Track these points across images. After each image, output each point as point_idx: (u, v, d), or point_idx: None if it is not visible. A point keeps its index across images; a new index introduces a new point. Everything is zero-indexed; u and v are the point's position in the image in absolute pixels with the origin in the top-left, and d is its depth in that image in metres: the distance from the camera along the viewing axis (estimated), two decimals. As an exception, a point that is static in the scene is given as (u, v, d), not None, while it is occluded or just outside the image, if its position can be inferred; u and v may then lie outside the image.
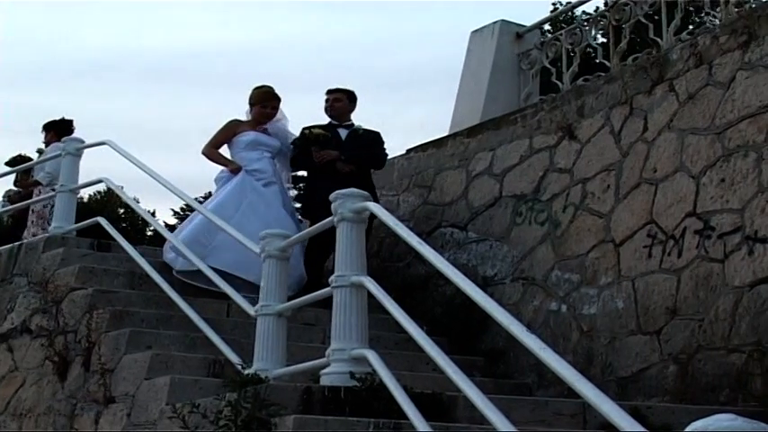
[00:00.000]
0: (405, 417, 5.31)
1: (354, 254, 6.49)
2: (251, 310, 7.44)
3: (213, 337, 7.86)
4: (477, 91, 11.31)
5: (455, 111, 11.60)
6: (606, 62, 10.07)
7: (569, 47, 10.57)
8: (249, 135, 10.17)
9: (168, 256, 9.66)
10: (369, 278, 6.36)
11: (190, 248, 9.00)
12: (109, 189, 11.39)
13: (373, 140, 10.52)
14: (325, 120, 10.55)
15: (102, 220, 10.21)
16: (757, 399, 6.91)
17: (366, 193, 6.71)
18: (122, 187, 10.94)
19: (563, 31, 10.91)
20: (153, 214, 42.06)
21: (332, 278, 6.51)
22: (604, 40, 10.42)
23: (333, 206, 6.66)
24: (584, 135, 9.33)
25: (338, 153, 10.17)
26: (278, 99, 10.39)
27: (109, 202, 38.57)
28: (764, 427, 3.18)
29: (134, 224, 39.37)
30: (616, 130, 9.00)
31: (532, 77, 11.25)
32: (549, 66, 11.05)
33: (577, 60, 10.46)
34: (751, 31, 8.03)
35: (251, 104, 10.37)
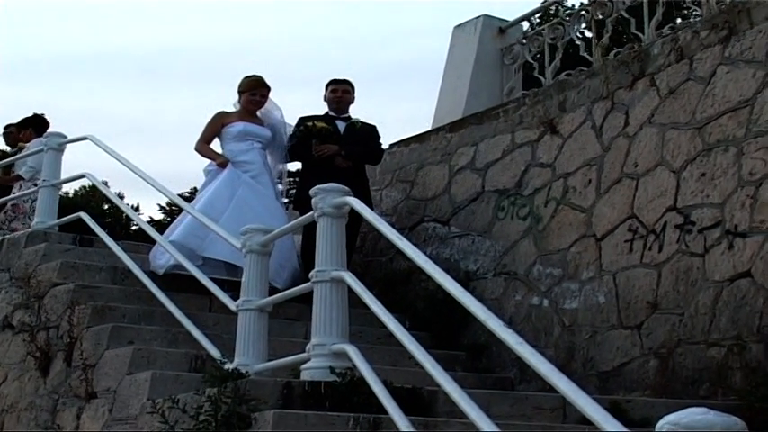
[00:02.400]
0: (384, 411, 5.31)
1: (335, 249, 6.49)
2: (232, 305, 7.43)
3: (195, 332, 7.85)
4: (459, 86, 11.32)
5: (438, 106, 11.61)
6: (589, 57, 10.09)
7: (551, 41, 10.58)
8: (237, 126, 9.94)
9: (158, 262, 9.39)
10: (349, 273, 6.36)
11: (186, 243, 9.02)
12: (94, 184, 11.29)
13: (370, 134, 10.36)
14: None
15: (85, 216, 10.17)
16: (737, 392, 6.93)
17: (346, 188, 6.71)
18: (106, 183, 10.90)
19: (545, 26, 10.93)
20: (137, 209, 42.04)
21: (312, 273, 6.51)
22: (590, 35, 10.41)
23: (313, 201, 6.65)
24: (565, 130, 9.35)
25: (338, 148, 9.97)
26: (267, 87, 10.14)
27: (93, 197, 38.53)
28: (735, 420, 3.20)
29: (119, 219, 39.32)
30: (597, 125, 9.02)
31: (515, 72, 11.26)
32: (531, 60, 11.07)
33: (560, 55, 10.48)
34: (731, 26, 8.06)
35: (239, 93, 10.13)
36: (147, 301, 8.69)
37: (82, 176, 11.09)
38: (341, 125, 10.21)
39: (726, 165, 7.72)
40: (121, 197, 36.77)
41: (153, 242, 9.58)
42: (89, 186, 38.49)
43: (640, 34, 9.49)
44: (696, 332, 7.53)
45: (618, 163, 8.68)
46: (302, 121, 10.17)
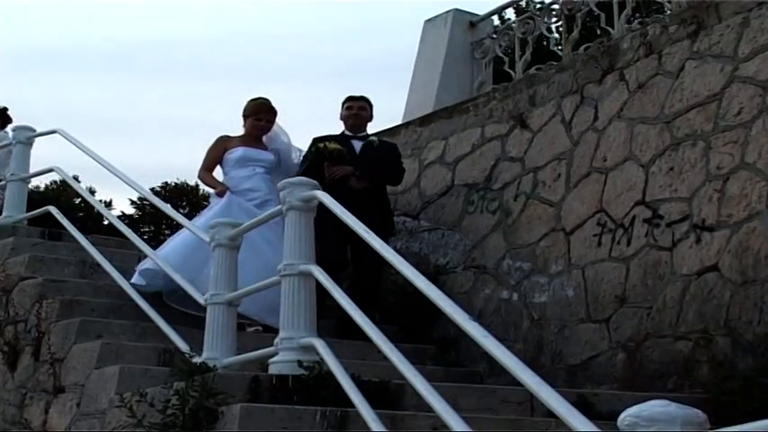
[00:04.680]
0: (352, 405, 5.31)
1: (303, 242, 6.48)
2: (201, 299, 7.42)
3: (163, 326, 7.83)
4: (430, 80, 11.32)
5: (408, 99, 11.61)
6: (558, 51, 10.11)
7: (522, 36, 10.60)
8: (237, 151, 9.38)
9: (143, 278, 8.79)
10: (317, 266, 6.36)
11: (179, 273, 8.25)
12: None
13: (389, 153, 9.78)
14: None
15: (53, 209, 10.14)
16: (703, 386, 6.96)
17: (314, 181, 6.71)
18: (77, 177, 10.84)
19: (515, 20, 10.94)
20: (110, 204, 41.81)
21: (280, 266, 6.51)
22: (561, 30, 10.45)
23: (281, 195, 6.64)
24: (535, 124, 9.37)
25: (352, 168, 9.35)
26: (273, 112, 9.57)
27: (65, 191, 38.29)
28: (697, 413, 3.22)
29: (91, 214, 39.12)
30: (567, 119, 9.05)
31: (485, 66, 11.28)
32: (501, 55, 11.09)
33: (530, 49, 10.50)
34: (700, 21, 8.10)
35: (244, 117, 9.57)
36: (116, 295, 8.67)
37: (51, 170, 11.04)
38: (357, 144, 9.64)
39: (694, 159, 7.76)
40: (93, 192, 36.59)
41: (123, 236, 9.52)
42: (60, 180, 38.25)
43: (610, 29, 9.52)
44: (663, 326, 7.57)
45: (587, 157, 8.71)
46: (315, 141, 9.62)
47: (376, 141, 9.78)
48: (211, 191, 9.70)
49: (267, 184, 9.30)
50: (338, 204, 6.32)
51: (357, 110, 9.75)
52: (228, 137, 9.59)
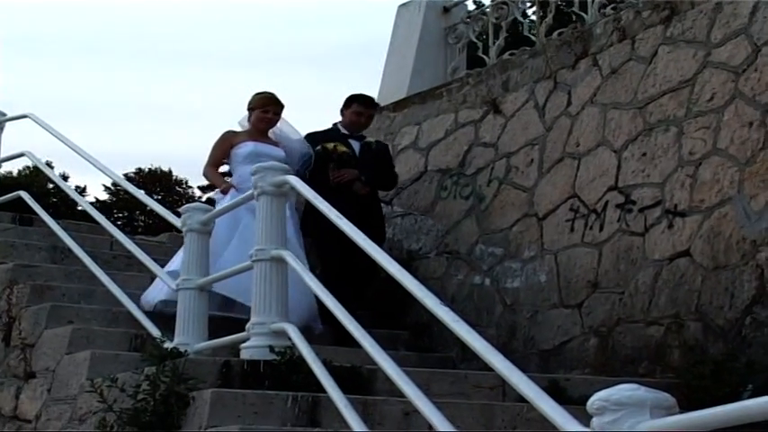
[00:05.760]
0: (324, 390, 5.31)
1: (275, 228, 6.48)
2: (172, 285, 7.40)
3: (135, 311, 7.80)
4: (403, 65, 11.28)
5: (381, 85, 11.57)
6: (532, 37, 10.10)
7: (496, 21, 10.57)
8: (247, 146, 8.86)
9: (145, 298, 8.34)
10: (288, 252, 6.35)
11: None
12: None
13: (384, 156, 9.56)
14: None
15: (24, 194, 10.09)
16: (674, 370, 7.00)
17: (286, 166, 6.70)
18: (50, 163, 10.78)
19: (489, 5, 10.92)
20: (84, 189, 41.67)
21: (251, 252, 6.50)
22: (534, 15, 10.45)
23: (253, 179, 6.62)
24: (508, 109, 9.37)
25: (358, 173, 9.05)
26: (280, 105, 9.07)
27: (38, 176, 38.15)
28: (666, 397, 3.21)
29: (64, 199, 38.99)
30: (540, 105, 9.04)
31: (459, 52, 11.23)
32: (475, 40, 11.07)
33: (504, 35, 10.47)
34: (673, 6, 8.11)
35: (250, 110, 9.07)
36: (88, 280, 8.64)
37: (21, 155, 10.98)
38: (355, 144, 9.30)
39: (666, 144, 7.77)
40: (66, 177, 36.48)
41: (95, 221, 9.49)
42: (34, 166, 38.07)
43: (584, 14, 9.51)
44: (635, 311, 7.58)
45: (560, 142, 8.71)
46: (312, 138, 9.23)
47: (373, 143, 9.50)
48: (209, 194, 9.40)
49: None
50: (310, 190, 6.31)
51: (366, 119, 9.44)
52: (234, 132, 9.11)
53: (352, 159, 9.12)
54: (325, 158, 9.05)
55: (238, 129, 9.17)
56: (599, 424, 3.24)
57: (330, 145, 9.11)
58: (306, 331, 7.35)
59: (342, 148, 9.11)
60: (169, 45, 68.21)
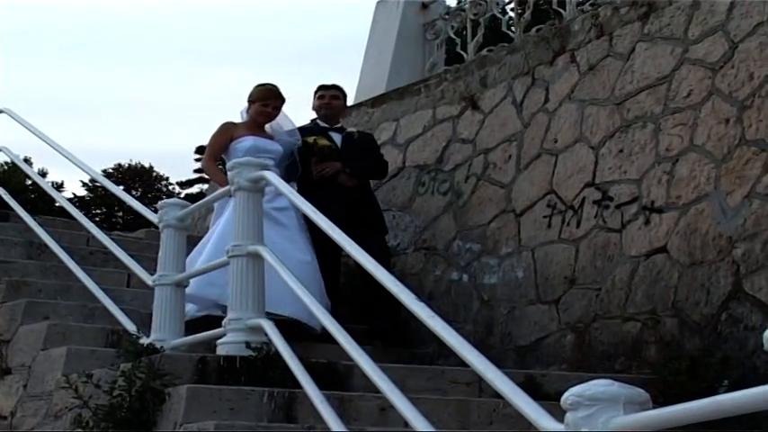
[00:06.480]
0: (300, 386, 5.30)
1: (251, 223, 6.45)
2: (149, 280, 7.37)
3: (111, 307, 7.76)
4: (381, 61, 11.29)
5: (360, 81, 11.57)
6: (510, 33, 10.10)
7: (474, 17, 10.58)
8: (247, 141, 8.50)
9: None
10: (265, 247, 6.33)
11: (205, 295, 7.80)
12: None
13: (370, 145, 9.43)
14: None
15: (0, 190, 10.05)
16: (651, 366, 7.00)
17: (262, 161, 6.67)
18: (29, 159, 10.74)
19: (468, 1, 10.91)
20: (61, 185, 41.63)
21: (228, 247, 6.48)
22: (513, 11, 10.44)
23: (229, 175, 6.61)
24: (486, 105, 9.37)
25: (341, 165, 8.89)
26: (281, 99, 8.79)
27: (16, 172, 38.03)
28: (639, 392, 3.22)
29: (43, 195, 38.87)
30: (518, 101, 9.05)
31: (437, 48, 11.24)
32: (454, 36, 11.07)
33: (482, 31, 10.48)
34: (650, 3, 8.13)
35: (249, 102, 8.79)
36: (64, 276, 8.60)
37: (-2, 151, 10.94)
38: (336, 137, 9.16)
39: (643, 141, 7.78)
40: (45, 173, 36.43)
41: (72, 217, 9.45)
42: (11, 162, 37.91)
43: (562, 11, 9.52)
44: (612, 307, 7.60)
45: (538, 139, 8.72)
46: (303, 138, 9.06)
47: (355, 133, 9.38)
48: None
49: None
50: (286, 185, 6.31)
51: (330, 99, 9.29)
52: (234, 123, 8.80)
53: (333, 152, 8.99)
54: (307, 154, 8.95)
55: (237, 121, 8.89)
56: (573, 419, 3.24)
57: (310, 139, 8.98)
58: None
59: (322, 142, 8.99)
60: (152, 41, 68.07)
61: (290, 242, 8.03)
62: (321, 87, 9.38)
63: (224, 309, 6.97)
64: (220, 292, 7.43)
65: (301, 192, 8.24)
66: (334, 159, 8.93)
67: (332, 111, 9.29)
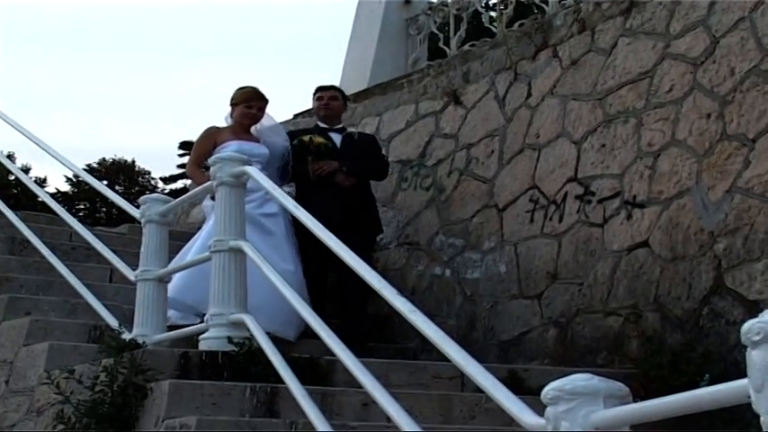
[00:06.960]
0: (282, 381, 5.30)
1: (233, 218, 6.44)
2: (131, 276, 7.35)
3: (93, 302, 7.74)
4: (364, 56, 11.28)
5: (343, 76, 11.55)
6: (493, 28, 10.11)
7: (456, 12, 10.58)
8: (231, 145, 8.26)
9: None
10: (247, 243, 6.33)
11: (184, 299, 7.71)
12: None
13: (370, 146, 9.22)
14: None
15: (-19, 185, 10.03)
16: (632, 360, 7.03)
17: (244, 157, 6.66)
18: (12, 154, 10.71)
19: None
20: (44, 181, 41.50)
21: (210, 242, 6.48)
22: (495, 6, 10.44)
23: (211, 170, 6.59)
24: (469, 100, 9.38)
25: (338, 164, 8.71)
26: (264, 100, 8.68)
27: (-2, 168, 37.98)
28: (619, 386, 3.23)
29: (26, 191, 38.78)
30: (500, 96, 9.06)
31: (420, 43, 11.24)
32: (436, 31, 11.06)
33: (464, 26, 10.48)
34: (632, -2, 8.14)
35: (232, 105, 8.65)
36: (46, 271, 8.57)
37: (-20, 146, 10.91)
38: (336, 137, 8.99)
39: (625, 136, 7.80)
40: (28, 169, 36.31)
41: (54, 213, 9.42)
42: (-7, 157, 37.78)
43: (544, 6, 9.52)
44: (594, 302, 7.62)
45: (520, 134, 8.73)
46: (293, 135, 9.03)
47: (356, 134, 9.29)
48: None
49: None
50: (268, 180, 6.31)
51: (328, 99, 9.13)
52: (218, 128, 8.69)
53: (330, 150, 8.87)
54: (303, 152, 8.82)
55: (220, 125, 8.78)
56: (553, 413, 3.26)
57: (306, 137, 8.87)
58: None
59: (318, 140, 8.85)
60: (136, 36, 67.92)
61: (275, 249, 7.92)
62: (319, 89, 9.26)
63: (203, 317, 6.84)
64: (199, 299, 7.30)
65: (299, 192, 8.56)
66: (330, 158, 8.78)
67: (331, 111, 9.15)
